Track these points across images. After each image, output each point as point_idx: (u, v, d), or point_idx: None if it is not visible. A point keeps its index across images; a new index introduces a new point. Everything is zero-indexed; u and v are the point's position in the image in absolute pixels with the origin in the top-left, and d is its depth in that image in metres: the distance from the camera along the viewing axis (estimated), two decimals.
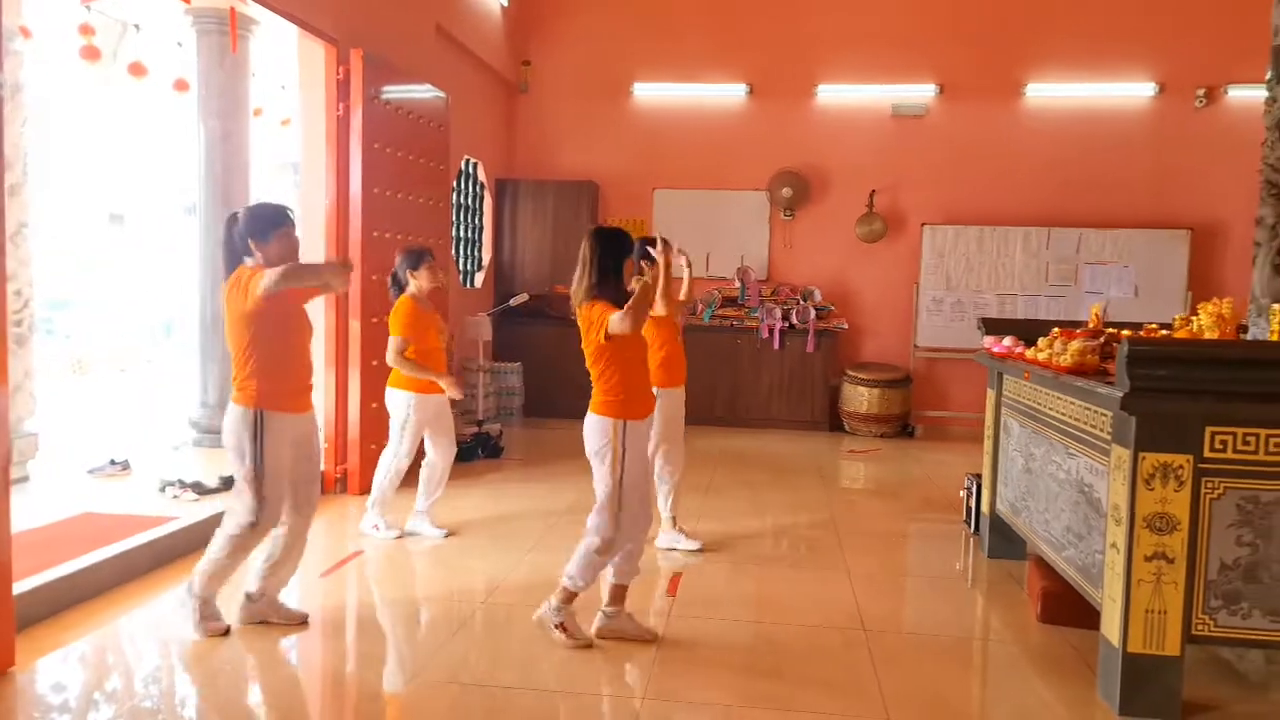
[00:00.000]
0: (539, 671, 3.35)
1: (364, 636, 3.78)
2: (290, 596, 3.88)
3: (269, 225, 3.45)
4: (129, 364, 11.28)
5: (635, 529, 3.54)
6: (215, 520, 4.62)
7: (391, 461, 4.88)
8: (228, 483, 5.25)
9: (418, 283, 4.82)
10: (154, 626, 3.67)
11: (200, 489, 5.15)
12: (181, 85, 7.12)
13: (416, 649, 3.62)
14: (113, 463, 5.62)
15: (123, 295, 12.35)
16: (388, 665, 3.49)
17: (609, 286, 3.46)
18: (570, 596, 3.54)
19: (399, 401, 4.83)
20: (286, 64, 7.07)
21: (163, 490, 5.16)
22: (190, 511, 4.78)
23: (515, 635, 3.68)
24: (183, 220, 12.37)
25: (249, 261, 3.46)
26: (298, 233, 3.58)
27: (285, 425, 3.49)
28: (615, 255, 3.48)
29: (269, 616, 3.66)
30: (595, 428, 3.50)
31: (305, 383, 3.61)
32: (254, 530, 3.50)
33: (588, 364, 3.51)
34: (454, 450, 5.04)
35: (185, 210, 12.55)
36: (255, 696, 3.22)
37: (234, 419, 3.46)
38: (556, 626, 3.52)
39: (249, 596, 3.66)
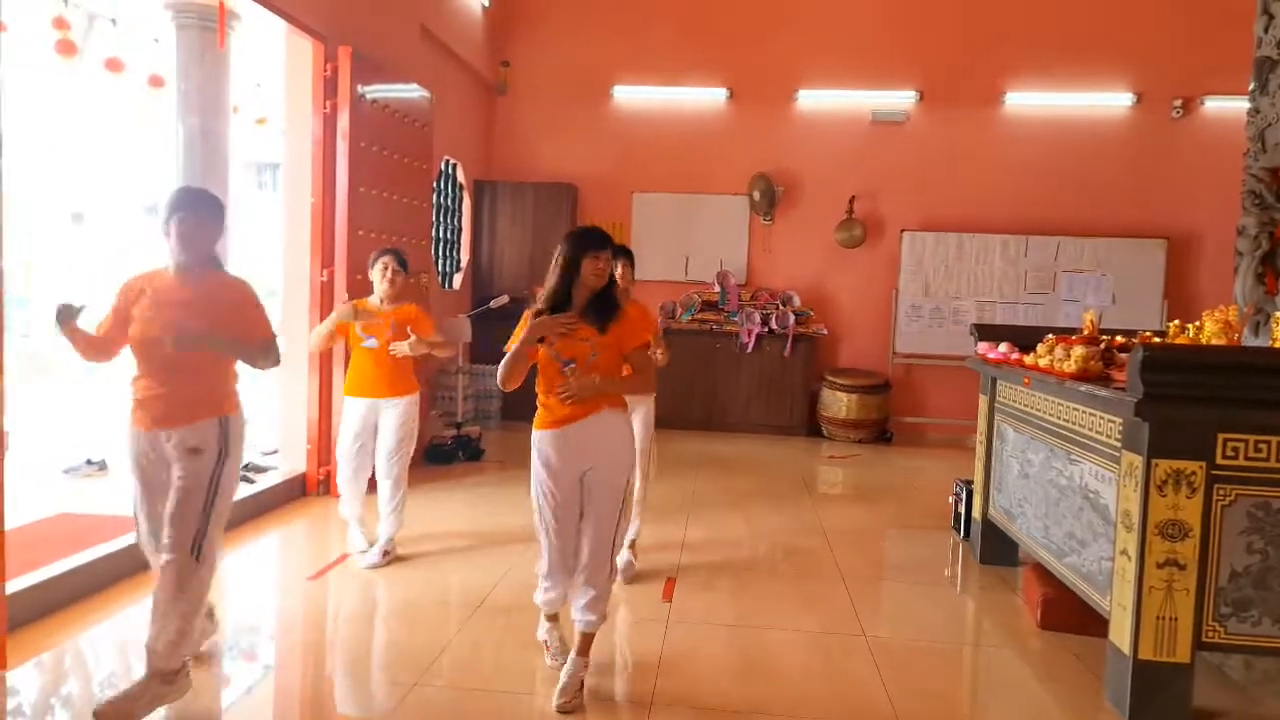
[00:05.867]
0: (538, 678, 3.28)
1: (356, 641, 3.68)
2: (271, 600, 3.74)
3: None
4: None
5: None
6: None
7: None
8: None
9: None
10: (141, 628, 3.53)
11: None
12: (157, 81, 6.93)
13: (415, 654, 3.51)
14: (89, 462, 5.45)
15: (82, 295, 11.93)
16: (388, 670, 3.38)
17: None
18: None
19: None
20: (264, 61, 6.92)
21: None
22: None
23: (511, 640, 3.62)
24: (142, 220, 12.04)
25: None
26: None
27: None
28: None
29: None
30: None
31: None
32: None
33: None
34: None
35: (145, 210, 12.21)
36: (234, 703, 3.11)
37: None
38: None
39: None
